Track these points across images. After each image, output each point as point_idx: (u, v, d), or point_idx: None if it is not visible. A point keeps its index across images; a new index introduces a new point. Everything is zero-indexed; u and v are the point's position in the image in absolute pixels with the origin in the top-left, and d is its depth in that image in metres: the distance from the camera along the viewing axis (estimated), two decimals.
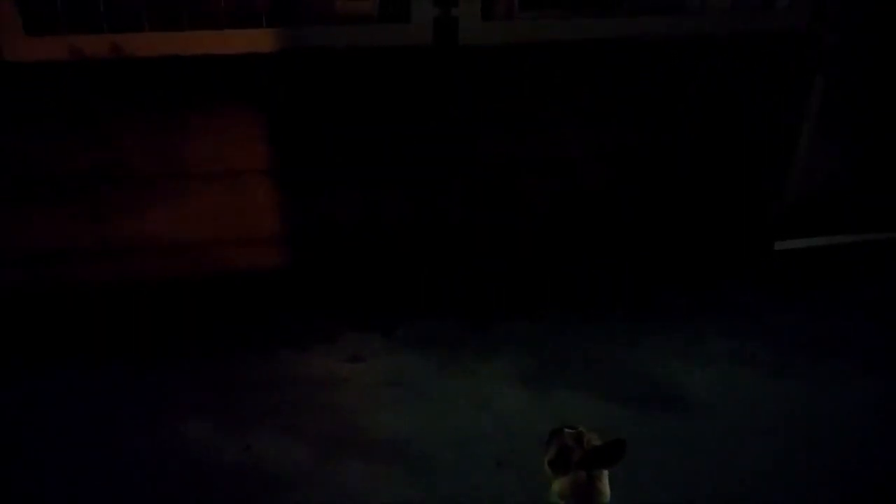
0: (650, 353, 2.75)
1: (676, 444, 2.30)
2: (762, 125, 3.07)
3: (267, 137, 2.71)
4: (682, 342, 2.82)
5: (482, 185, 2.95)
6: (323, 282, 2.95)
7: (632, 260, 3.19)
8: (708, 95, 2.98)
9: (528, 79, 2.80)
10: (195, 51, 2.55)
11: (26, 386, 2.56)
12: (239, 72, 2.60)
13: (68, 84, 2.50)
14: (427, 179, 2.89)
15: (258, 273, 2.88)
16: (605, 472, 1.56)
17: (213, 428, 2.35)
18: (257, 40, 2.59)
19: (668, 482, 2.15)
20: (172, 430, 2.34)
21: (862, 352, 2.77)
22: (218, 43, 2.56)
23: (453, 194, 2.94)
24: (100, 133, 2.59)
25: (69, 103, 2.53)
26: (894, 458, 2.26)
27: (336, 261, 2.95)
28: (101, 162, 2.63)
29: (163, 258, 2.80)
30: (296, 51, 2.61)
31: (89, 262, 2.74)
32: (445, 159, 2.87)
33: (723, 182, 3.14)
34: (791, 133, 3.11)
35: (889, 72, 3.32)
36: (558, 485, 1.59)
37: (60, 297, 2.76)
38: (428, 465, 2.20)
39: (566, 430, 1.63)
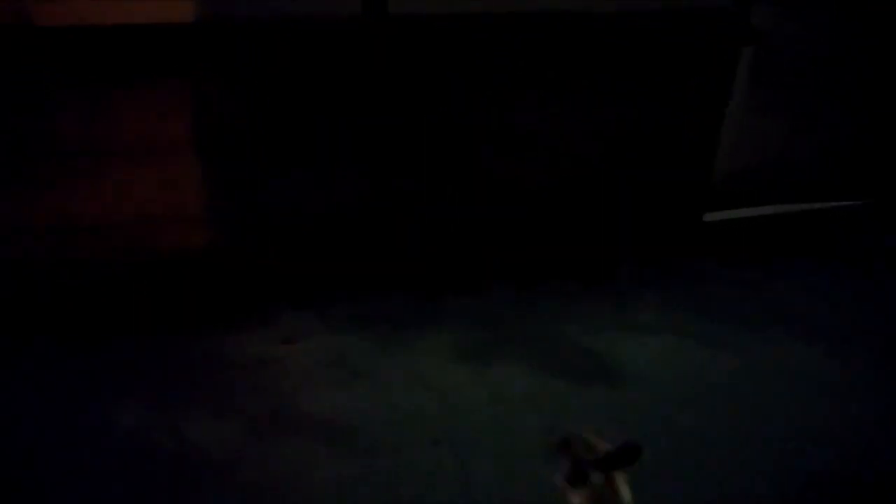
0: (588, 326, 2.77)
1: (614, 414, 2.33)
2: (692, 98, 3.12)
3: (193, 112, 2.61)
4: (619, 315, 2.86)
5: (424, 159, 2.92)
6: (257, 262, 2.87)
7: (569, 235, 3.21)
8: (639, 69, 3.01)
9: (456, 50, 2.77)
10: (115, 20, 2.42)
11: None
12: (162, 43, 2.49)
13: None
14: (364, 154, 2.84)
15: (189, 253, 2.78)
16: (623, 476, 1.52)
17: (144, 412, 2.27)
18: (181, 9, 2.48)
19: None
20: (101, 414, 2.26)
21: (793, 321, 2.85)
22: (139, 12, 2.44)
23: (392, 169, 2.90)
24: (16, 107, 2.45)
25: None
26: (823, 425, 2.34)
27: (270, 240, 2.87)
28: (19, 137, 2.49)
29: (89, 238, 2.68)
30: (221, 20, 2.51)
31: (11, 243, 2.60)
32: (381, 133, 2.83)
33: (654, 155, 3.18)
34: (719, 106, 3.17)
35: (820, 46, 3.40)
36: (578, 499, 1.54)
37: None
38: (364, 444, 2.18)
39: (573, 439, 1.58)
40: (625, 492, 1.52)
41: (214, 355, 2.53)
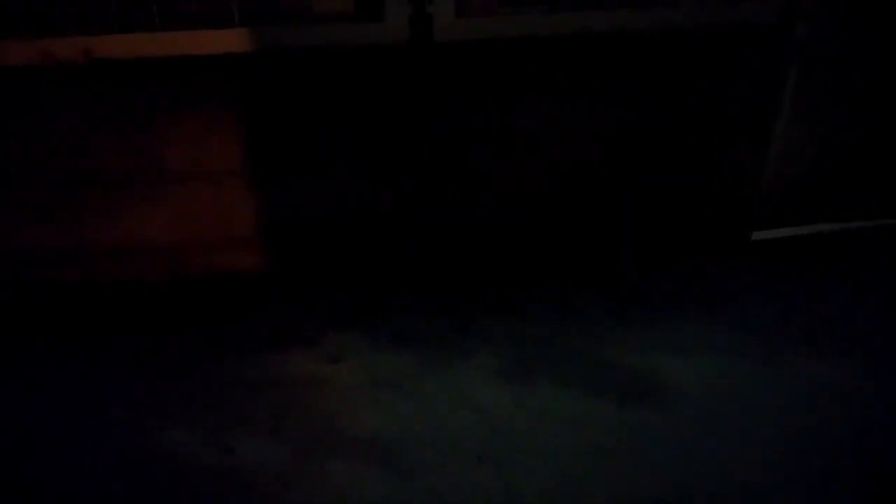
0: (630, 344, 2.75)
1: (657, 436, 2.31)
2: (738, 115, 3.09)
3: (243, 138, 2.70)
4: (662, 333, 2.83)
5: (462, 181, 2.95)
6: (301, 282, 2.94)
7: (612, 252, 3.20)
8: (684, 86, 3.00)
9: (506, 73, 2.81)
10: (167, 52, 2.53)
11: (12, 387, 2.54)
12: (212, 73, 2.59)
13: (41, 88, 2.48)
14: (407, 177, 2.89)
15: (236, 274, 2.87)
16: None
17: (194, 431, 2.34)
18: (230, 41, 2.57)
19: (651, 474, 2.16)
20: (152, 432, 2.33)
21: (845, 341, 2.78)
22: (190, 44, 2.55)
23: (433, 191, 2.94)
24: (74, 136, 2.57)
25: (42, 107, 2.51)
26: (879, 448, 2.27)
27: (315, 261, 2.94)
28: (76, 165, 2.61)
29: (140, 260, 2.79)
30: (270, 51, 2.60)
31: (67, 265, 2.72)
32: (426, 156, 2.87)
33: (700, 173, 3.16)
34: (766, 123, 3.13)
35: (865, 62, 3.34)
36: None
37: (39, 300, 2.74)
38: (408, 463, 2.20)
39: None
40: None
41: (262, 375, 2.59)
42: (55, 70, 2.44)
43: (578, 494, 2.10)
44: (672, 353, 2.71)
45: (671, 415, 2.40)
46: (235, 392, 2.52)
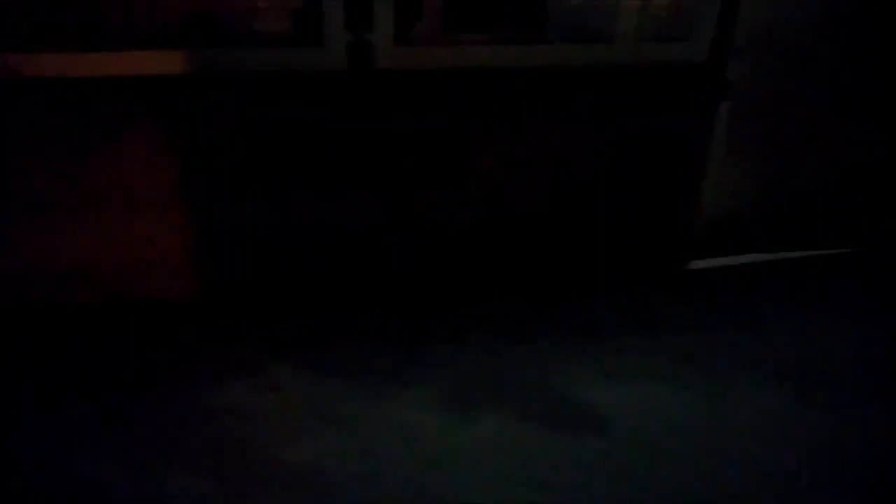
0: (571, 373, 2.75)
1: (599, 465, 2.29)
2: (673, 149, 3.17)
3: (179, 161, 2.65)
4: (603, 362, 2.83)
5: (403, 209, 2.94)
6: (241, 311, 2.87)
7: (554, 282, 3.22)
8: (621, 121, 3.07)
9: (444, 102, 2.83)
10: (101, 72, 2.48)
11: None
12: (148, 94, 2.55)
13: None
14: (348, 203, 2.87)
15: (169, 302, 2.78)
16: None
17: (115, 466, 2.22)
18: (169, 62, 2.54)
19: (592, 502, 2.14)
20: (76, 463, 2.21)
21: (774, 370, 2.83)
22: (126, 64, 2.50)
23: (373, 218, 2.93)
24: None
25: None
26: (807, 473, 2.31)
27: (254, 289, 2.88)
28: (2, 188, 2.51)
29: (70, 285, 2.69)
30: (210, 73, 2.57)
31: None
32: (363, 183, 2.86)
33: (638, 204, 3.22)
34: (700, 158, 3.23)
35: (797, 98, 3.48)
36: None
37: None
38: (336, 495, 2.13)
39: None
40: None
41: (196, 406, 2.49)
42: None
43: None
44: (609, 381, 2.71)
45: (611, 444, 2.39)
46: (167, 422, 2.42)
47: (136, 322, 2.78)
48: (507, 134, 2.94)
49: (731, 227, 3.52)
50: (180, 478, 2.18)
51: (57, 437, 2.34)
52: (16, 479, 2.16)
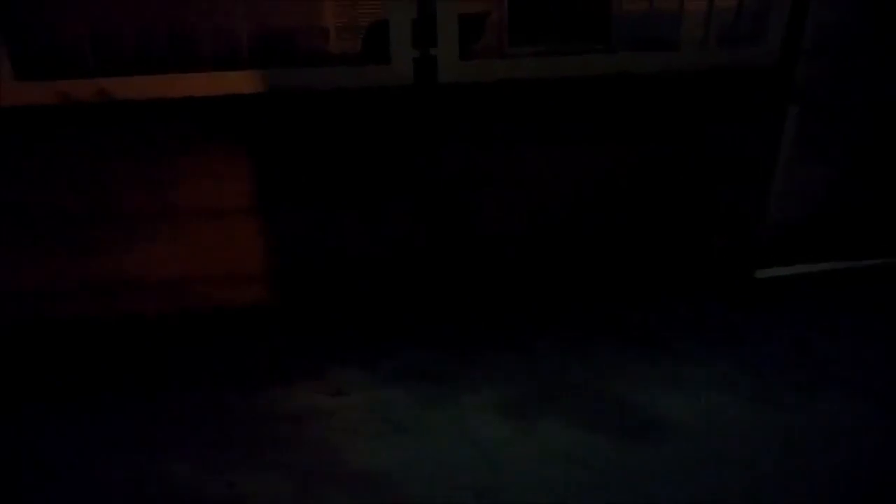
0: (633, 381, 2.75)
1: (661, 473, 2.29)
2: (740, 154, 3.13)
3: (252, 176, 2.78)
4: (664, 369, 2.83)
5: (464, 217, 3.00)
6: (307, 317, 2.98)
7: (615, 289, 3.22)
8: (688, 127, 3.05)
9: (509, 113, 2.88)
10: (181, 93, 2.62)
11: (10, 424, 2.58)
12: (224, 113, 2.68)
13: (57, 127, 2.57)
14: (408, 214, 2.95)
15: (242, 309, 2.91)
16: None
17: (196, 465, 2.35)
18: (241, 82, 2.66)
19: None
20: (157, 466, 2.35)
21: (850, 382, 2.76)
22: (203, 85, 2.64)
23: (436, 227, 2.99)
24: (87, 174, 2.65)
25: (58, 146, 2.60)
26: (877, 489, 2.25)
27: (321, 296, 2.98)
28: (89, 203, 2.68)
29: (148, 296, 2.84)
30: (280, 92, 2.69)
31: (76, 300, 2.78)
32: (428, 193, 2.93)
33: (704, 211, 3.19)
34: (768, 162, 3.17)
35: (867, 102, 3.39)
36: None
37: (45, 336, 2.79)
38: (406, 497, 2.20)
39: None
40: None
41: (267, 409, 2.61)
42: (71, 109, 2.53)
43: None
44: (673, 390, 2.71)
45: (671, 450, 2.39)
46: (238, 425, 2.54)
47: (205, 331, 2.93)
48: (563, 141, 2.96)
49: (802, 235, 3.44)
50: (257, 477, 2.29)
51: (138, 438, 2.49)
52: (104, 482, 2.31)
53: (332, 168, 2.82)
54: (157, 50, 2.59)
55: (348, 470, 2.32)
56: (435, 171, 2.90)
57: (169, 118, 2.64)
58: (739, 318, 3.15)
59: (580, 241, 3.15)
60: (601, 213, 3.11)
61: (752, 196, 3.20)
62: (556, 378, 2.78)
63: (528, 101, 2.87)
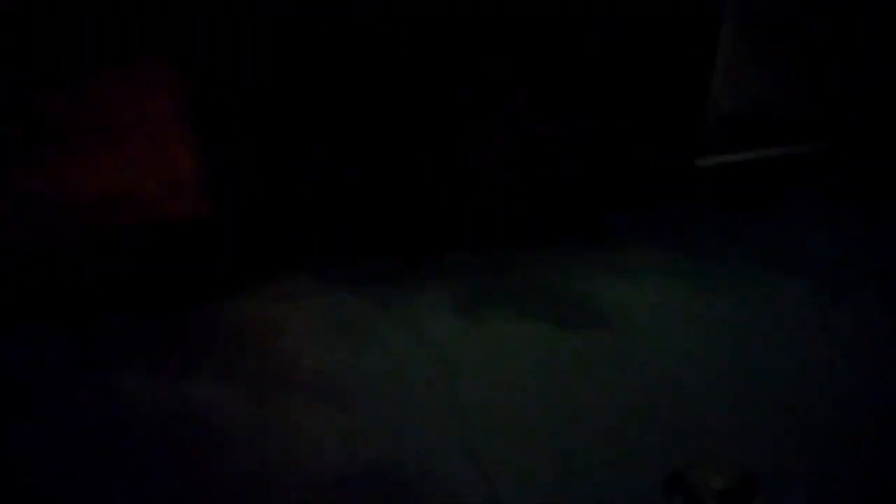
0: (580, 274, 2.79)
1: (611, 362, 2.37)
2: (680, 41, 3.08)
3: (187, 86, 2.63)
4: (617, 261, 2.86)
5: (416, 120, 2.91)
6: (252, 227, 2.90)
7: (560, 187, 3.21)
8: (622, 14, 2.97)
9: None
10: None
11: None
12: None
13: None
14: (357, 116, 2.84)
15: (183, 221, 2.81)
16: None
17: (147, 380, 2.34)
18: None
19: (605, 400, 2.22)
20: (105, 384, 2.32)
21: (788, 262, 2.85)
22: None
23: (384, 129, 2.90)
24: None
25: None
26: (821, 376, 2.37)
27: (265, 205, 2.90)
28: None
29: (83, 211, 2.73)
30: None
31: (7, 221, 2.65)
32: (376, 96, 2.82)
33: (645, 101, 3.15)
34: (707, 53, 3.13)
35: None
36: None
37: None
38: (361, 397, 2.24)
39: (686, 475, 1.53)
40: None
41: (215, 320, 2.58)
42: None
43: (530, 418, 2.15)
44: (618, 279, 2.76)
45: (619, 338, 2.46)
46: (190, 338, 2.52)
47: (149, 243, 2.84)
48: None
49: (742, 123, 3.45)
50: (210, 388, 2.29)
51: (85, 356, 2.45)
52: (53, 398, 2.28)
53: (273, 77, 2.68)
54: None
55: (303, 376, 2.34)
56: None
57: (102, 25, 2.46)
58: (680, 207, 3.18)
59: (526, 143, 3.10)
60: (547, 115, 3.06)
61: (694, 85, 3.17)
62: (506, 274, 2.80)
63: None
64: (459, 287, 2.73)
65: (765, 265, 2.83)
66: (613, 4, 2.92)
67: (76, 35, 2.47)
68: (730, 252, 2.91)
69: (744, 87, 3.37)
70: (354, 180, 2.96)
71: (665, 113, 3.20)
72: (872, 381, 2.32)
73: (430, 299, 2.67)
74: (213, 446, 2.10)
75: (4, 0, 2.36)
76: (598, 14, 2.93)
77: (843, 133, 3.48)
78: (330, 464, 2.03)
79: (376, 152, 2.94)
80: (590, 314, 2.58)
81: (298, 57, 2.71)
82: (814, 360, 2.39)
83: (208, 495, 2.02)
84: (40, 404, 2.27)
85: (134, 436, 2.15)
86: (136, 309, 2.65)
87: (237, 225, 2.88)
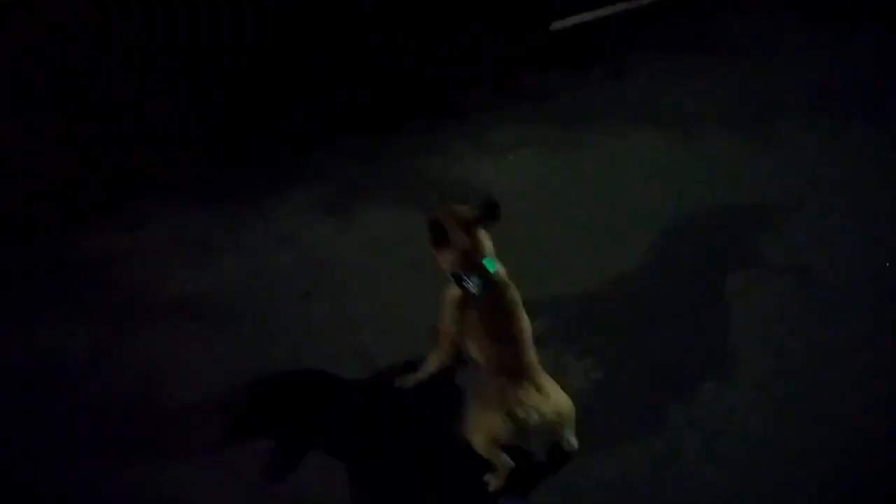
0: (445, 156, 2.71)
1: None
2: None
3: None
4: (479, 138, 2.80)
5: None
6: (70, 155, 2.56)
7: (417, 65, 3.06)
8: None
9: None
10: None
11: None
12: None
13: None
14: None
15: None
16: (485, 233, 1.67)
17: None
18: None
19: None
20: None
21: (643, 118, 2.88)
22: None
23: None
24: None
25: None
26: (673, 195, 2.46)
27: (81, 129, 2.57)
28: None
29: None
30: None
31: None
32: None
33: None
34: None
35: None
36: (446, 261, 1.66)
37: None
38: (231, 314, 2.11)
39: (439, 211, 1.68)
40: (488, 245, 1.66)
41: (57, 256, 2.31)
42: None
43: (409, 314, 2.06)
44: (483, 156, 2.70)
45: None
46: (33, 278, 2.25)
47: None
48: None
49: None
50: (62, 327, 2.08)
51: None
52: None
53: None
54: None
55: (161, 302, 2.15)
56: None
57: None
58: (538, 73, 3.13)
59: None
60: None
61: None
62: (371, 168, 2.67)
63: None
64: (319, 187, 2.57)
65: (621, 121, 2.85)
66: None
67: None
68: (589, 114, 2.90)
69: None
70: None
71: None
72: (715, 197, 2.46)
73: (292, 204, 2.50)
74: (63, 391, 1.91)
75: None
76: None
77: None
78: (204, 387, 1.91)
79: None
80: (453, 193, 2.49)
81: None
82: (669, 188, 2.51)
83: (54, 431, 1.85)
84: None
85: None
86: None
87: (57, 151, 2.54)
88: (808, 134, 2.78)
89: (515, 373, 1.57)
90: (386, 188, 2.57)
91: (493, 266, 1.65)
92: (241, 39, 2.68)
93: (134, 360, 1.98)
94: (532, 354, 1.61)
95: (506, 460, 1.62)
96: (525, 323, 1.63)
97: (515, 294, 1.65)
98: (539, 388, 1.57)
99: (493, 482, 1.65)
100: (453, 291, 1.66)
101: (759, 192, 2.53)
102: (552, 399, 1.58)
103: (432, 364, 1.81)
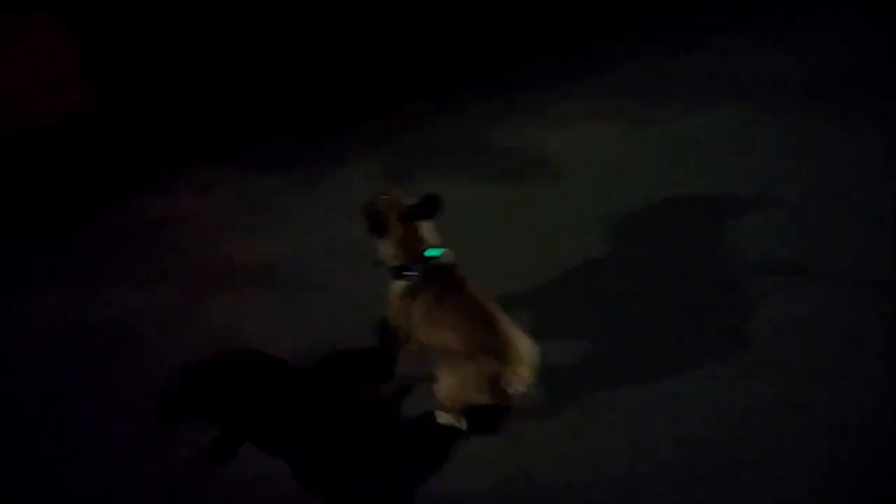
0: (508, 126, 2.63)
1: (550, 206, 2.23)
2: None
3: None
4: (536, 109, 2.70)
5: None
6: (145, 117, 2.58)
7: (477, 41, 2.94)
8: None
9: None
10: None
11: None
12: None
13: None
14: None
15: (69, 120, 2.49)
16: (429, 224, 1.65)
17: (69, 291, 2.16)
18: None
19: (548, 241, 2.10)
20: (30, 296, 2.14)
21: (713, 87, 2.69)
22: None
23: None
24: None
25: None
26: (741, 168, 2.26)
27: (158, 92, 2.58)
28: None
29: None
30: None
31: None
32: None
33: None
34: None
35: None
36: (385, 247, 1.64)
37: None
38: (299, 282, 2.09)
39: (380, 199, 1.67)
40: (430, 236, 1.64)
41: (127, 221, 2.36)
42: None
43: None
44: (549, 127, 2.57)
45: (557, 187, 2.30)
46: (106, 245, 2.28)
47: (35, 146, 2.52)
48: None
49: None
50: (136, 288, 2.11)
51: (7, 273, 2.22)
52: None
53: None
54: None
55: (230, 267, 2.15)
56: None
57: None
58: (605, 46, 2.95)
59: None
60: None
61: None
62: (430, 135, 2.58)
63: None
64: (384, 154, 2.50)
65: (688, 95, 2.66)
66: None
67: None
68: (658, 87, 2.72)
69: None
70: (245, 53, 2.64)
71: None
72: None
73: (356, 172, 2.45)
74: (141, 348, 1.93)
75: None
76: None
77: None
78: (270, 354, 1.87)
79: None
80: (519, 164, 2.40)
81: None
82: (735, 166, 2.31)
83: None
84: None
85: (64, 347, 1.97)
86: (42, 221, 2.39)
87: (132, 116, 2.56)
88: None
89: (496, 346, 1.50)
90: (449, 158, 2.50)
91: (439, 252, 1.62)
92: (299, 9, 2.63)
93: (198, 324, 1.98)
94: (503, 317, 1.54)
95: (463, 423, 1.58)
96: (483, 292, 1.59)
97: (463, 272, 1.62)
98: (517, 352, 1.50)
99: (443, 418, 1.61)
100: (397, 284, 1.63)
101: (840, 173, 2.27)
102: (526, 359, 1.51)
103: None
